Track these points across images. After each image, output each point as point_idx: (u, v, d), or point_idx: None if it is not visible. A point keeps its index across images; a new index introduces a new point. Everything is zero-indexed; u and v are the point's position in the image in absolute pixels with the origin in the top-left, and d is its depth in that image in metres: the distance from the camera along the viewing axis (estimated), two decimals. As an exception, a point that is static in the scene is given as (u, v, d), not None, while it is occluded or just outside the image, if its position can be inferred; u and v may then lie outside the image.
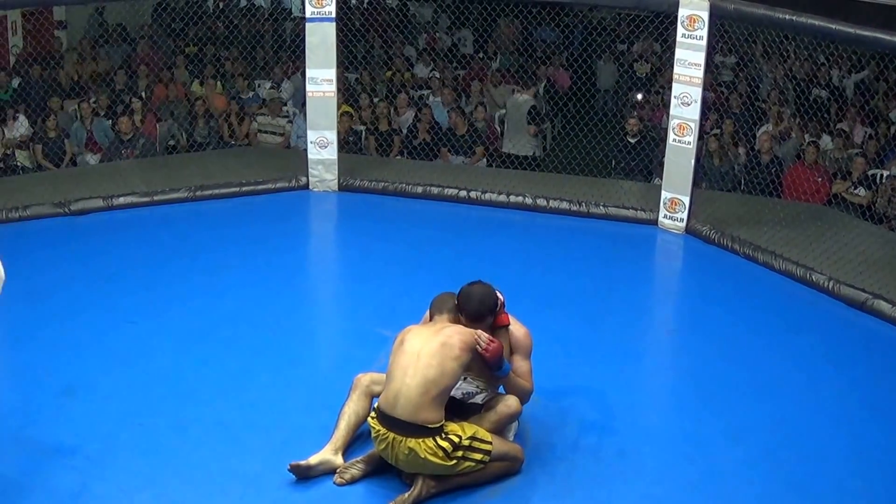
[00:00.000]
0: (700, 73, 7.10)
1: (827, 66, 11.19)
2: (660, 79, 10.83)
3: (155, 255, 6.78)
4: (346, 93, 10.06)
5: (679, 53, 7.17)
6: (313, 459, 4.31)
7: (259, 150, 9.69)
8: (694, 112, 7.19)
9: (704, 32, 7.02)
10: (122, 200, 7.71)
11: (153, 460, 4.43)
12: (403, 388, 4.16)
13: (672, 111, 7.31)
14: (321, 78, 7.88)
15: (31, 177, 8.63)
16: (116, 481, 4.27)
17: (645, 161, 9.01)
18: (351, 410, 4.47)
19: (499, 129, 10.30)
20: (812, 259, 6.74)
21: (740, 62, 11.34)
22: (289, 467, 4.27)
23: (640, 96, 11.04)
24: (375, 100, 10.19)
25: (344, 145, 8.74)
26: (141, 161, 8.92)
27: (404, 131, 9.68)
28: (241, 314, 5.93)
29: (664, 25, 7.66)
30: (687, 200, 7.40)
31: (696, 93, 7.14)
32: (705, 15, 7.00)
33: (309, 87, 7.96)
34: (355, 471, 4.31)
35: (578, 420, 4.87)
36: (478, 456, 4.23)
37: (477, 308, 4.36)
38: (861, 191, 8.49)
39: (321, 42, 7.79)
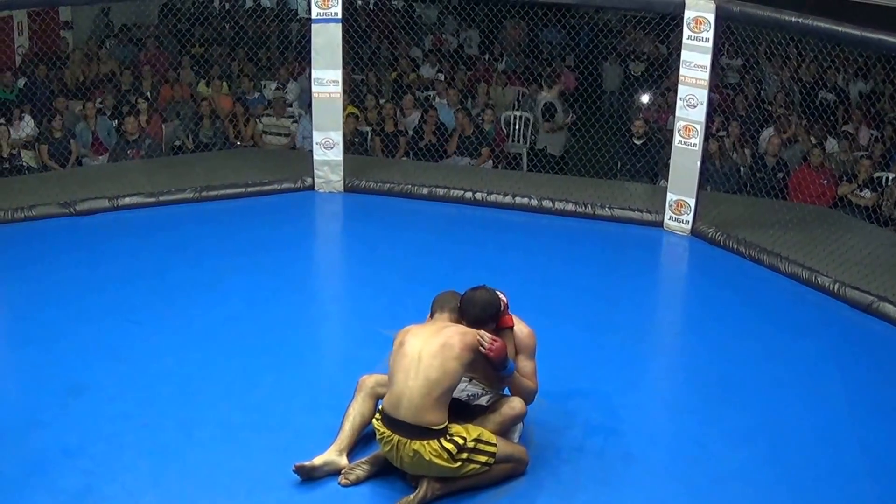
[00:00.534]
0: (706, 74, 7.10)
1: (833, 69, 11.17)
2: (658, 78, 10.79)
3: (160, 256, 6.79)
4: (352, 94, 10.05)
5: (685, 55, 7.17)
6: (318, 460, 4.31)
7: (264, 150, 9.70)
8: (700, 114, 7.18)
9: (710, 34, 7.02)
10: (127, 201, 7.72)
11: (158, 461, 4.43)
12: (406, 391, 4.16)
13: (678, 113, 7.32)
14: (327, 79, 7.89)
15: (37, 177, 8.62)
16: (122, 482, 4.27)
17: (650, 163, 9.00)
18: (356, 411, 4.46)
19: (504, 131, 10.30)
20: (818, 261, 6.73)
21: (746, 64, 11.33)
22: (293, 468, 4.27)
23: (645, 99, 11.01)
24: (381, 101, 10.19)
25: (349, 146, 8.75)
26: (147, 161, 8.93)
27: (410, 132, 9.68)
28: (247, 315, 5.93)
29: (662, 25, 7.67)
30: (693, 202, 7.39)
31: (702, 95, 7.14)
32: (711, 17, 7.00)
33: (315, 88, 7.96)
34: (360, 472, 4.31)
35: (584, 422, 4.86)
36: (483, 458, 4.22)
37: (479, 314, 4.36)
38: (867, 193, 8.47)
39: (327, 43, 7.80)
